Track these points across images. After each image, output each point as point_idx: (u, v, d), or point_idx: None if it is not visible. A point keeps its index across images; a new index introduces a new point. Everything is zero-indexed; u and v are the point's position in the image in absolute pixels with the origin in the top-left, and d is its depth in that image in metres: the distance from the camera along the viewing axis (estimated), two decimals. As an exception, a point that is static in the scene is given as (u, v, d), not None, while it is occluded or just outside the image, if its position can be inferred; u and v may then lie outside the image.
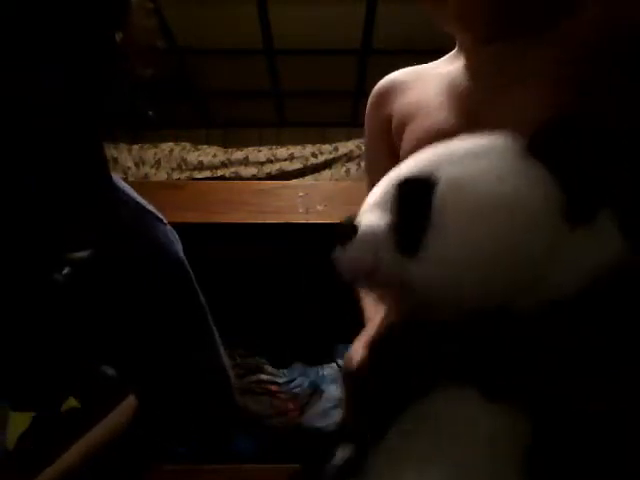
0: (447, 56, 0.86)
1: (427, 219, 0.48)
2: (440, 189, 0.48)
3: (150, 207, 0.87)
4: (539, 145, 0.49)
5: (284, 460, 1.87)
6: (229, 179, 2.18)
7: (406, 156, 0.82)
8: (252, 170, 2.21)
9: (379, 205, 0.52)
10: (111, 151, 2.19)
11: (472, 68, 0.78)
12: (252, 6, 2.43)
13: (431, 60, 0.90)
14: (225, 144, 2.43)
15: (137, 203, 0.86)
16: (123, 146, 2.27)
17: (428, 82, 0.83)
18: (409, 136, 0.81)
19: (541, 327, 0.46)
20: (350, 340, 0.82)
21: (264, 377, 2.12)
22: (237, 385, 0.93)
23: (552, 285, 0.47)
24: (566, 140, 0.48)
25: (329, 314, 2.33)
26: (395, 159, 0.86)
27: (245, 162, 2.23)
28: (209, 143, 2.43)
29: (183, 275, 0.88)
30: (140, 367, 0.87)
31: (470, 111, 0.75)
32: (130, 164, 2.24)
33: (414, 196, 0.49)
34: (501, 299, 0.47)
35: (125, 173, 2.21)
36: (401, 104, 0.86)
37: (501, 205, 0.47)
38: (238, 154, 2.25)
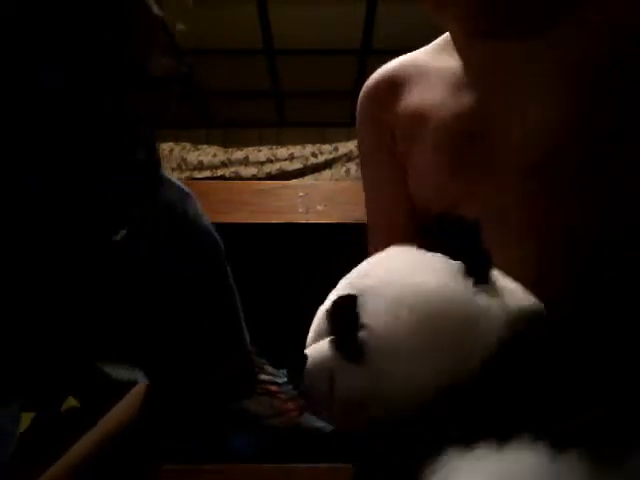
0: (440, 42, 0.84)
1: (359, 325, 0.56)
2: (361, 298, 0.57)
3: (178, 182, 0.89)
4: (434, 232, 0.59)
5: (284, 460, 1.87)
6: (229, 179, 2.18)
7: (417, 173, 0.79)
8: (252, 170, 2.21)
9: (319, 334, 0.60)
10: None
11: (474, 71, 0.77)
12: (252, 6, 2.43)
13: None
14: (225, 144, 2.43)
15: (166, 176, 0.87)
16: (123, 146, 2.27)
17: (430, 82, 0.80)
18: (419, 151, 0.79)
19: (488, 385, 0.53)
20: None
21: (264, 377, 2.11)
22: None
23: (480, 345, 0.53)
24: (453, 224, 0.58)
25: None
26: (397, 173, 0.83)
27: (245, 162, 2.23)
28: (209, 143, 2.43)
29: (213, 242, 0.94)
30: (165, 347, 0.89)
31: (479, 121, 0.74)
32: (130, 164, 2.24)
33: (343, 312, 0.57)
34: (448, 376, 0.53)
35: (125, 173, 2.21)
36: (405, 111, 0.81)
37: (415, 290, 0.56)
38: (238, 154, 2.25)
